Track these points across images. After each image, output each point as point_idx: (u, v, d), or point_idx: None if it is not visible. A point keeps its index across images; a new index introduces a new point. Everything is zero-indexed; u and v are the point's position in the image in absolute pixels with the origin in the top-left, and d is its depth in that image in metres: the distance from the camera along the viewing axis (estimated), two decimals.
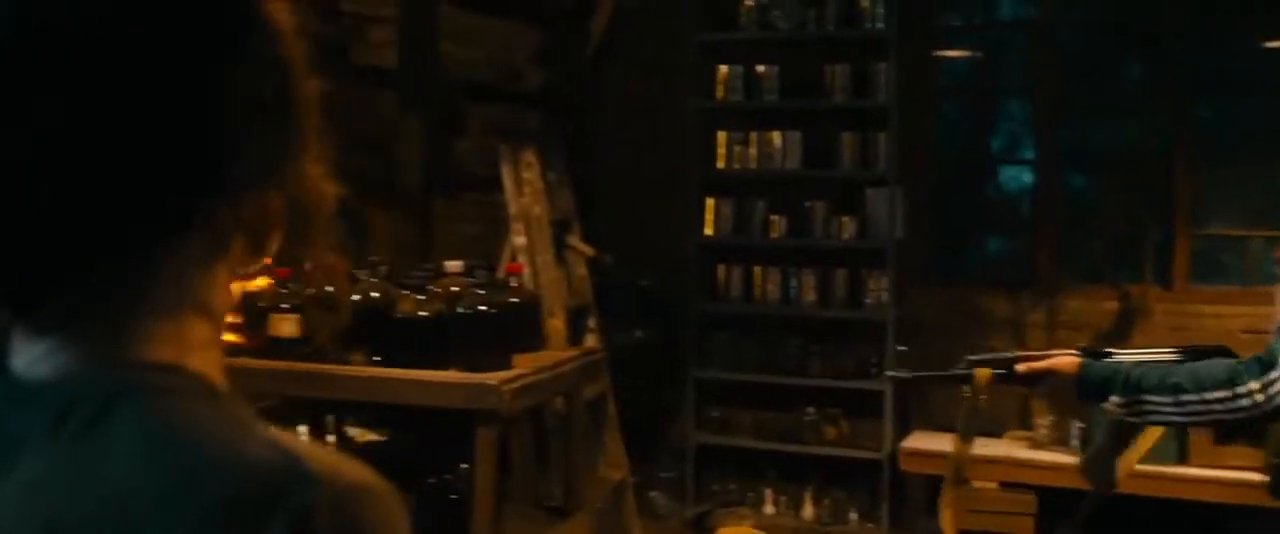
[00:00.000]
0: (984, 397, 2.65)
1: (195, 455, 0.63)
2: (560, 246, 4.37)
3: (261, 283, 3.62)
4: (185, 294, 0.70)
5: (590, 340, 4.37)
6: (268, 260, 0.78)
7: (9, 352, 0.68)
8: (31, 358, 0.67)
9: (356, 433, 4.38)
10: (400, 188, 4.92)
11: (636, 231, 6.03)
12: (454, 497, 3.37)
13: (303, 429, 4.07)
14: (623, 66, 6.19)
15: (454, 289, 3.37)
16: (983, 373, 2.63)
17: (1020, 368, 2.62)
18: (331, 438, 4.13)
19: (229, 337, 3.53)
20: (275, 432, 0.67)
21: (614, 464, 4.53)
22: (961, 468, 2.95)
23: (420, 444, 3.77)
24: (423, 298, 3.32)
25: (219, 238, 0.71)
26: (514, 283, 3.63)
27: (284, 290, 3.48)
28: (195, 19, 0.68)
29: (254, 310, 3.49)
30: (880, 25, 5.52)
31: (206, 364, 0.70)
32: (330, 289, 3.46)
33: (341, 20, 5.74)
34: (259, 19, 0.72)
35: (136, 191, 0.66)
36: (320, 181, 0.77)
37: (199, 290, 0.71)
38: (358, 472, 0.67)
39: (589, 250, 4.57)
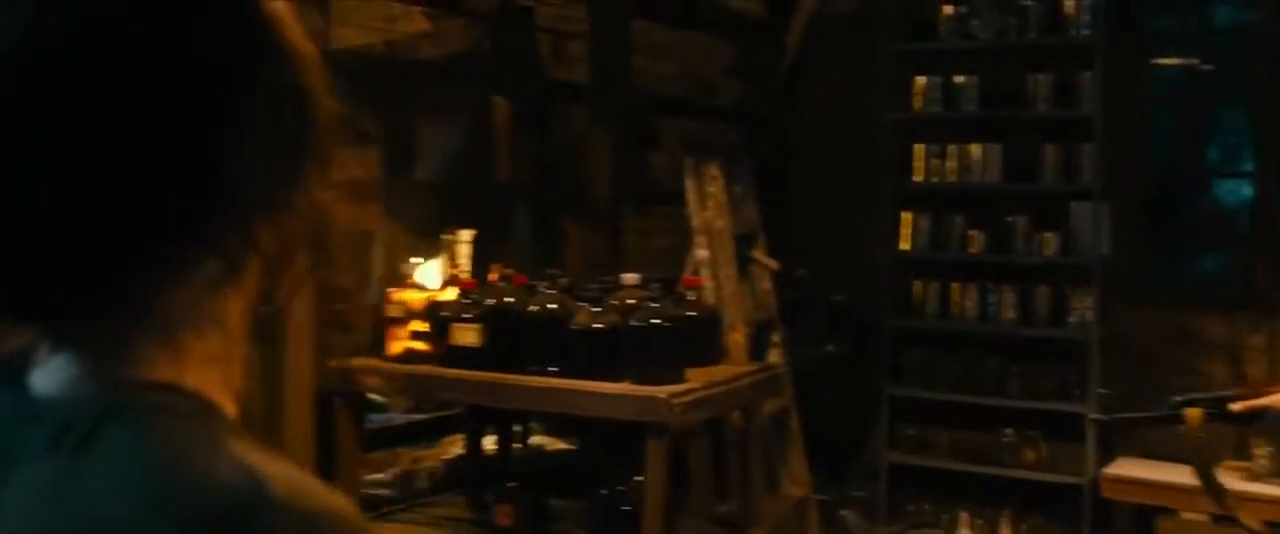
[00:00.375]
0: (1200, 436, 2.52)
1: (171, 478, 0.63)
2: (744, 260, 4.34)
3: (449, 293, 3.72)
4: (191, 313, 0.71)
5: (774, 355, 4.32)
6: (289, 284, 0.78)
7: (28, 367, 0.70)
8: (44, 372, 0.69)
9: (545, 441, 4.45)
10: (590, 201, 4.98)
11: (831, 245, 5.96)
12: (626, 508, 3.39)
13: (489, 438, 4.17)
14: (818, 79, 6.13)
15: (630, 302, 3.39)
16: (1193, 413, 2.49)
17: (1235, 406, 2.47)
18: (517, 446, 4.21)
19: (418, 344, 3.64)
20: (254, 453, 0.66)
21: (797, 481, 4.47)
22: (1224, 505, 2.81)
23: (606, 454, 3.81)
24: (598, 310, 3.35)
25: (230, 260, 0.71)
26: (691, 296, 3.63)
27: (467, 301, 3.57)
28: (207, 39, 0.69)
29: (438, 320, 3.59)
30: (1085, 32, 5.31)
31: (206, 381, 0.70)
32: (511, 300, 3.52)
33: (538, 35, 5.87)
34: (275, 44, 0.72)
35: (139, 202, 0.67)
36: (332, 207, 0.77)
37: (208, 310, 0.71)
38: (325, 499, 0.66)
39: (774, 264, 4.52)
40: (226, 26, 0.70)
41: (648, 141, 5.88)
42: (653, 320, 3.27)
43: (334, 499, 0.66)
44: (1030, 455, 5.52)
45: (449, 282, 3.81)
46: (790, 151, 6.23)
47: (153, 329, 0.69)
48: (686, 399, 3.15)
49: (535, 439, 4.42)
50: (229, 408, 0.71)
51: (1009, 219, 5.56)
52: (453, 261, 3.94)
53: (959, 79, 5.62)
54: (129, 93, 0.66)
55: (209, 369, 0.71)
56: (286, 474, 0.65)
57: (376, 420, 4.68)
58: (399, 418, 4.85)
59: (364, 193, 5.36)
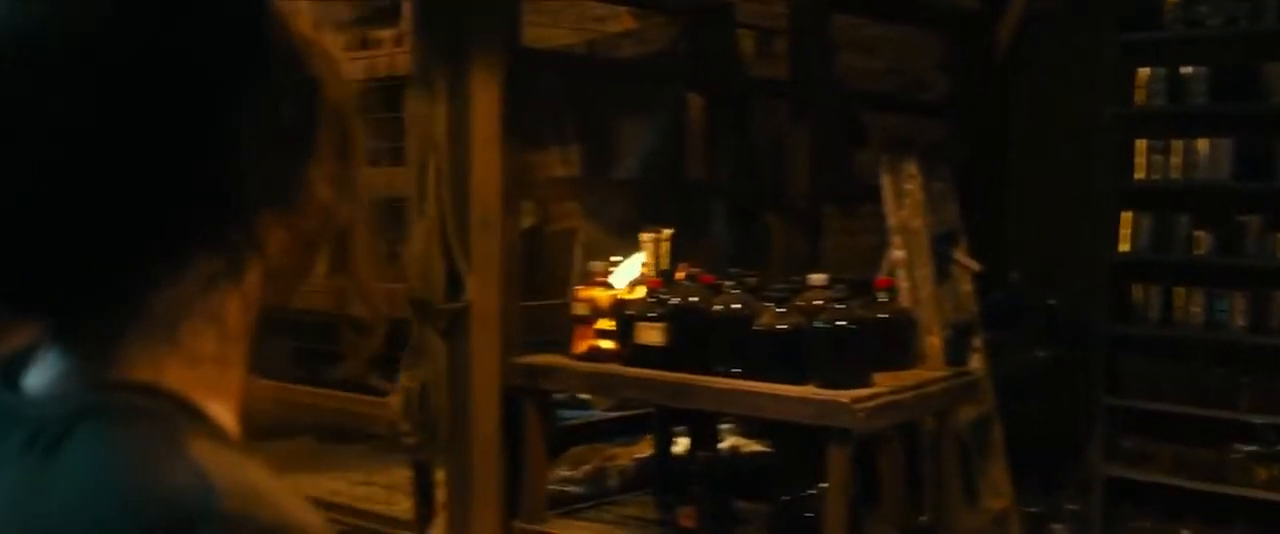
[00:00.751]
0: None
1: (125, 487, 0.62)
2: (944, 261, 4.17)
3: (636, 292, 3.71)
4: (185, 311, 0.69)
5: (975, 360, 4.14)
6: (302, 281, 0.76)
7: (27, 365, 0.70)
8: (37, 370, 0.69)
9: (740, 443, 4.40)
10: (789, 199, 4.89)
11: (1047, 247, 5.71)
12: (809, 514, 3.30)
13: (682, 439, 4.14)
14: (1034, 72, 5.87)
15: (816, 303, 3.31)
16: None
17: None
18: (712, 447, 4.17)
19: (604, 343, 3.64)
20: (217, 459, 0.64)
21: (998, 492, 4.28)
22: None
23: (794, 458, 3.73)
24: (783, 311, 3.28)
25: (230, 258, 0.70)
26: (883, 298, 3.52)
27: (653, 299, 3.55)
28: (202, 36, 0.67)
29: (623, 318, 3.58)
30: None
31: (191, 381, 0.68)
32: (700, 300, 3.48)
33: (742, 32, 5.82)
34: (279, 41, 0.71)
35: (134, 199, 0.66)
36: (343, 203, 0.74)
37: (203, 309, 0.70)
38: (282, 511, 0.63)
39: (975, 265, 4.33)
40: (223, 24, 0.68)
41: (854, 139, 5.75)
42: (838, 322, 3.18)
43: (293, 512, 0.63)
44: (1262, 474, 5.15)
45: (639, 280, 3.79)
46: (1004, 148, 5.99)
47: (142, 328, 0.68)
48: (870, 404, 3.05)
49: (731, 440, 4.37)
50: (215, 408, 0.69)
51: (1240, 219, 5.20)
52: (651, 260, 3.91)
53: (1186, 70, 5.29)
54: (122, 91, 0.65)
55: (197, 369, 0.69)
56: (245, 483, 0.63)
57: (575, 416, 4.72)
58: (598, 414, 4.88)
59: (565, 192, 5.43)
